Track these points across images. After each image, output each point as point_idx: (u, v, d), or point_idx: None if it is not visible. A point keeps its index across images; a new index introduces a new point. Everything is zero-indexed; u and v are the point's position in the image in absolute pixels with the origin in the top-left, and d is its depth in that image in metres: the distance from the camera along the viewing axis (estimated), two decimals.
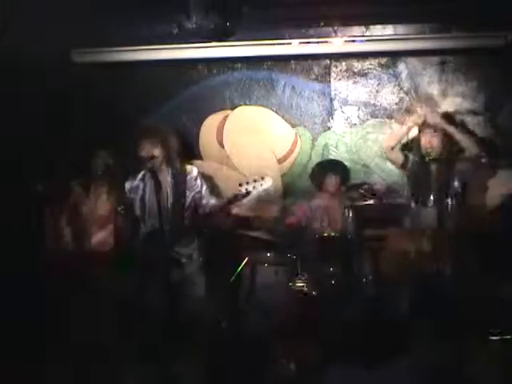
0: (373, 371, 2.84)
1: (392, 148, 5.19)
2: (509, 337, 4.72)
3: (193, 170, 4.53)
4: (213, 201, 4.51)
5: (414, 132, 5.21)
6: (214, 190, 4.90)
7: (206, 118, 6.02)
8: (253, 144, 6.00)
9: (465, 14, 5.26)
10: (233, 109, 6.00)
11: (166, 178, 4.39)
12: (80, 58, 5.72)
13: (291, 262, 5.13)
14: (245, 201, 4.21)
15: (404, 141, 5.30)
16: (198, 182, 4.52)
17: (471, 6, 5.14)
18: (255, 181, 4.22)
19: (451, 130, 4.93)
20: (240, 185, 4.21)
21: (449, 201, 4.91)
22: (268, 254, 5.23)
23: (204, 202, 4.50)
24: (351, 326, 4.76)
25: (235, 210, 5.06)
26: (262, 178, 4.25)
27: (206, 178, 4.88)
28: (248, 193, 4.19)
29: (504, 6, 5.09)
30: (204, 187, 4.53)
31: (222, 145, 6.05)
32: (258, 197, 4.25)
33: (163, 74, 5.91)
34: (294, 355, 4.63)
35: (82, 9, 5.14)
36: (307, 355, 4.64)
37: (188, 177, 4.47)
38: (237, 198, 4.22)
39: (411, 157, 5.12)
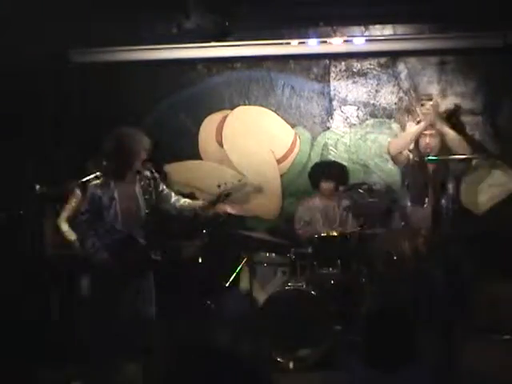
0: (373, 370, 2.84)
1: (401, 152, 5.14)
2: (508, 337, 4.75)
3: (154, 173, 4.52)
4: (176, 199, 4.52)
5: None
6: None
7: (206, 117, 6.01)
8: (252, 144, 6.00)
9: (464, 13, 5.26)
10: (232, 109, 6.00)
11: (135, 182, 4.38)
12: (79, 58, 5.71)
13: (291, 261, 5.13)
14: (226, 199, 4.54)
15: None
16: (161, 183, 4.52)
17: (471, 6, 5.13)
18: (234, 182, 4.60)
19: (445, 130, 4.93)
20: (219, 186, 4.50)
21: (446, 200, 4.91)
22: (268, 254, 5.24)
23: (171, 202, 4.51)
24: (350, 326, 4.77)
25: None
26: (239, 181, 4.67)
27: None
28: (228, 194, 4.50)
29: (503, 6, 5.09)
30: (165, 188, 4.53)
31: (221, 144, 6.04)
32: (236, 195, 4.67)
33: (162, 74, 5.91)
34: (293, 355, 4.65)
35: (82, 8, 5.14)
36: (306, 355, 4.66)
37: (152, 180, 4.46)
38: (219, 198, 4.50)
39: (410, 157, 5.11)
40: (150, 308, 4.30)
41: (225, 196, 4.48)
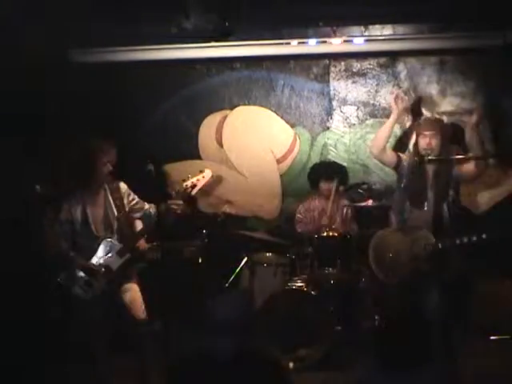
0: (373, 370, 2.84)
1: (382, 149, 5.14)
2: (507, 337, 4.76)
3: (120, 183, 4.51)
4: (147, 206, 4.53)
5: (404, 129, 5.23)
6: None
7: (205, 117, 6.01)
8: (252, 144, 6.00)
9: (464, 13, 5.26)
10: (232, 109, 6.00)
11: (106, 192, 4.40)
12: (79, 58, 5.71)
13: (291, 262, 5.14)
14: (193, 192, 4.72)
15: (394, 140, 5.34)
16: (131, 193, 4.53)
17: (471, 6, 5.13)
18: (197, 175, 4.80)
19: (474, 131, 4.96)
20: (183, 180, 4.69)
21: (446, 201, 4.92)
22: (268, 254, 5.25)
23: (144, 210, 4.52)
24: (351, 326, 4.78)
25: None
26: (201, 172, 4.83)
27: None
28: (194, 186, 4.70)
29: (503, 6, 5.09)
30: (136, 197, 4.54)
31: (220, 144, 6.05)
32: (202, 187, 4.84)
33: (162, 74, 5.91)
34: (293, 355, 4.66)
35: (82, 8, 5.14)
36: (306, 355, 4.67)
37: (122, 189, 4.47)
38: (186, 190, 4.66)
39: (408, 158, 5.10)
40: (140, 308, 4.32)
41: (191, 188, 4.66)
